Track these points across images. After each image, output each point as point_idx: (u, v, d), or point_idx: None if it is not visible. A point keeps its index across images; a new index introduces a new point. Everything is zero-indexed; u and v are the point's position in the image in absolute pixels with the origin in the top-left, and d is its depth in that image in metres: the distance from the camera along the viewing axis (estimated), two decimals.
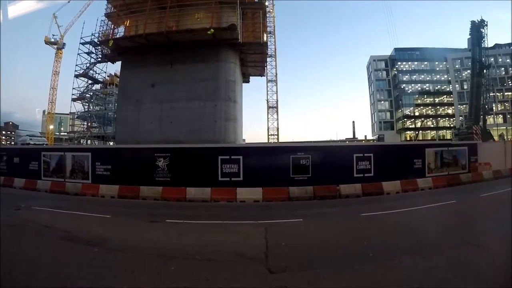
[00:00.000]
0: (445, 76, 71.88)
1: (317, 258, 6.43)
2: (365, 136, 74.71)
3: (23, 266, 5.92)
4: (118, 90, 24.45)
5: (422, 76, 73.53)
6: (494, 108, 56.77)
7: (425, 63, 72.88)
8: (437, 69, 72.65)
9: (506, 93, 64.82)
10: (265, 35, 23.52)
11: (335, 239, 7.82)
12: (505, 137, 51.85)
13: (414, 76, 73.71)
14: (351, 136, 76.07)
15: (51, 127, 61.98)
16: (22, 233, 8.58)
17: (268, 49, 30.52)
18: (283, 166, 15.18)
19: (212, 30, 19.43)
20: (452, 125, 67.29)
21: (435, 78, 72.74)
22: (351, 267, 5.86)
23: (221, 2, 21.02)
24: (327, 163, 15.29)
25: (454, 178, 17.13)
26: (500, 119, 62.41)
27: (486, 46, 35.36)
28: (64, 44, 60.34)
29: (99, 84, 28.18)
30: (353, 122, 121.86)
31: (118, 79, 30.79)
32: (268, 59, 33.43)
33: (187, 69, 21.46)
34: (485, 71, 35.00)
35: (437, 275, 5.42)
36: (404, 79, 73.87)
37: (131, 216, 11.28)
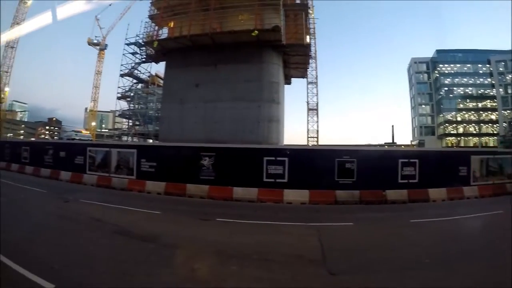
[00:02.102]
0: (489, 80, 68.07)
1: (374, 261, 6.43)
2: (410, 141, 72.00)
3: (79, 258, 6.06)
4: (163, 89, 25.12)
5: (465, 80, 69.96)
6: None
7: (468, 65, 69.39)
8: (480, 72, 68.96)
9: None
10: (308, 36, 23.36)
11: (388, 244, 7.86)
12: None
13: (456, 79, 70.30)
14: (390, 141, 73.90)
15: (93, 123, 64.85)
16: (74, 225, 8.82)
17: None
18: (328, 169, 14.91)
19: (256, 32, 19.54)
20: (495, 132, 63.91)
21: (478, 82, 69.04)
22: (409, 271, 5.87)
23: (264, 4, 21.11)
24: (371, 167, 14.87)
25: (500, 187, 16.24)
26: None
27: None
28: (106, 45, 62.99)
29: (141, 84, 29.01)
30: (392, 126, 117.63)
31: (159, 79, 31.86)
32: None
33: (231, 70, 21.68)
34: None
35: (497, 279, 5.42)
36: (446, 82, 70.69)
37: (181, 213, 11.49)
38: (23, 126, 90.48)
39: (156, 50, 23.63)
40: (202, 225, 9.57)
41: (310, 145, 31.69)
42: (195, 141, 18.77)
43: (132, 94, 28.73)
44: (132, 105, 30.62)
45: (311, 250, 7.14)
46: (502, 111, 64.06)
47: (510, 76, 63.50)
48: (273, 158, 14.96)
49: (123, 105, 30.50)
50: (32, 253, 6.12)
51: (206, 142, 18.26)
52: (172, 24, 23.20)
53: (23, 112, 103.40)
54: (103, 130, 77.43)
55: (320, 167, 14.94)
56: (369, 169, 14.84)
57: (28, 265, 5.32)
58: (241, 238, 8.08)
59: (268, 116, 21.42)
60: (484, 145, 64.42)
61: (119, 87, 28.09)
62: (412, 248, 7.46)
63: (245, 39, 20.65)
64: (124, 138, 33.51)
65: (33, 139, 53.82)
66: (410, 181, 15.20)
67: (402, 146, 65.96)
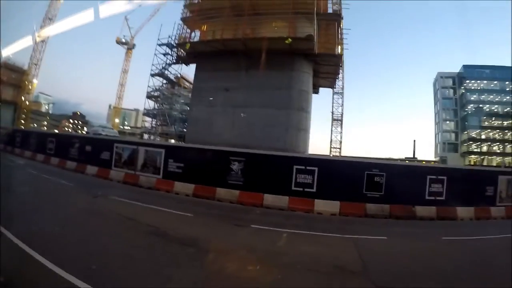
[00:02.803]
0: None
1: (414, 274, 6.53)
2: (440, 158, 70.40)
3: (117, 259, 5.92)
4: (192, 91, 25.51)
5: (491, 97, 68.23)
6: None
7: (495, 82, 67.70)
8: (508, 89, 67.12)
9: None
10: (339, 47, 23.29)
11: (424, 259, 7.87)
12: None
13: (483, 96, 68.63)
14: (411, 156, 72.34)
15: (116, 120, 66.10)
16: (107, 223, 8.70)
17: None
18: (357, 181, 14.72)
19: (289, 39, 19.64)
20: None
21: (504, 99, 67.26)
22: (452, 284, 6.14)
23: (298, 12, 21.21)
24: (400, 182, 14.51)
25: None
26: None
27: None
28: (134, 45, 64.27)
29: (167, 85, 29.40)
30: (414, 141, 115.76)
31: (185, 81, 32.27)
32: None
33: (261, 76, 21.66)
34: None
35: None
36: (472, 98, 69.11)
37: (214, 217, 11.44)
38: (47, 118, 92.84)
39: (187, 52, 23.93)
40: (238, 231, 9.52)
41: (338, 155, 31.39)
42: (222, 144, 18.80)
43: (159, 94, 29.13)
44: (158, 105, 31.06)
45: (351, 261, 7.13)
46: None
47: None
48: (303, 167, 14.82)
49: (151, 104, 30.99)
50: (67, 251, 6.01)
51: (233, 146, 18.31)
52: (204, 28, 23.54)
53: (48, 104, 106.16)
54: (125, 128, 78.80)
55: (349, 178, 14.75)
56: (397, 183, 14.49)
57: (62, 264, 5.13)
58: (280, 247, 8.06)
59: (296, 125, 21.49)
60: (508, 165, 62.55)
61: (148, 86, 28.59)
62: (448, 262, 7.60)
63: (277, 46, 20.79)
64: (146, 136, 34.02)
65: (56, 131, 55.08)
66: (437, 198, 14.86)
67: (423, 162, 64.84)
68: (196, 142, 20.51)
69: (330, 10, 24.84)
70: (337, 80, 29.88)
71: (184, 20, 24.74)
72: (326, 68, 25.29)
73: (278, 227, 10.27)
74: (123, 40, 63.57)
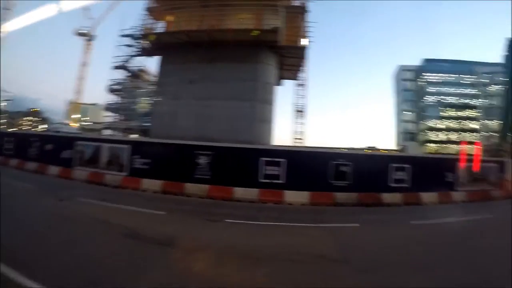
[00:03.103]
0: (472, 90, 70.67)
1: (392, 260, 6.79)
2: (400, 146, 73.23)
3: (98, 266, 5.56)
4: (156, 84, 24.76)
5: (449, 89, 72.21)
6: None
7: (453, 75, 71.60)
8: (465, 82, 71.32)
9: None
10: (304, 39, 23.44)
11: (399, 244, 8.22)
12: None
13: (441, 88, 72.45)
14: (372, 145, 74.94)
15: (75, 116, 63.12)
16: (78, 227, 8.14)
17: None
18: (324, 171, 15.13)
19: (257, 31, 19.56)
20: (475, 140, 66.42)
21: (462, 92, 71.44)
22: (428, 269, 6.29)
23: (264, 4, 21.17)
24: (365, 171, 15.25)
25: (485, 193, 17.13)
26: None
27: None
28: (94, 36, 61.34)
29: (131, 78, 28.35)
30: (374, 131, 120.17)
31: (145, 74, 31.31)
32: None
33: (226, 68, 21.64)
34: None
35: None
36: (431, 90, 72.69)
37: (187, 213, 11.27)
38: (5, 115, 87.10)
39: (152, 43, 23.21)
40: (213, 227, 9.41)
41: (304, 146, 31.88)
42: (187, 138, 18.49)
43: (122, 88, 28.15)
44: (121, 99, 30.05)
45: (330, 250, 7.37)
46: (485, 121, 66.64)
47: (494, 87, 65.83)
48: (270, 159, 15.01)
49: (113, 98, 29.94)
50: (41, 264, 5.44)
51: (199, 140, 18.09)
52: (170, 18, 22.90)
53: (7, 101, 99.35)
54: (84, 123, 75.12)
55: (317, 169, 15.13)
56: (363, 172, 15.20)
57: (37, 277, 4.80)
58: (258, 240, 8.08)
59: (261, 117, 21.53)
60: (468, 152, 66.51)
61: (111, 80, 27.58)
62: (422, 247, 7.96)
63: (243, 38, 20.63)
64: (108, 132, 32.80)
65: (15, 129, 51.86)
66: (402, 185, 15.66)
67: (385, 151, 67.39)
68: (161, 137, 20.01)
69: (296, 3, 24.93)
70: (300, 72, 30.10)
71: (149, 10, 23.88)
72: (291, 61, 25.29)
73: (252, 220, 10.45)
74: (83, 31, 60.43)
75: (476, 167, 17.67)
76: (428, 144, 72.08)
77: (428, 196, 15.34)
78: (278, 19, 21.08)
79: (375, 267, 6.28)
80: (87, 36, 60.58)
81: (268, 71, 22.26)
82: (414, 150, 67.23)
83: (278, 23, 20.89)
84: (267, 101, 21.97)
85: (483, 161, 19.43)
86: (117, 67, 25.72)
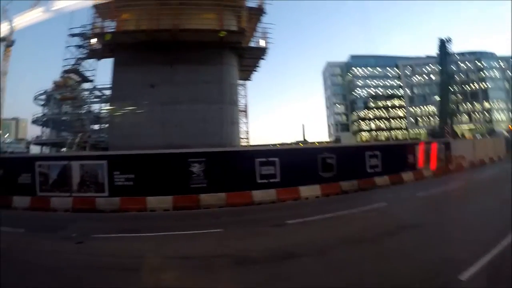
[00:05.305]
0: (397, 81, 78.46)
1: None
2: (335, 137, 77.59)
3: None
4: (111, 90, 22.69)
5: (376, 81, 79.33)
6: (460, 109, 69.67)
7: (379, 69, 78.58)
8: (390, 74, 78.77)
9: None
10: (264, 40, 23.51)
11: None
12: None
13: (368, 81, 79.09)
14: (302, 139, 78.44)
15: None
16: (165, 273, 6.40)
17: None
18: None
19: (224, 32, 19.13)
20: (403, 127, 74.64)
21: (387, 83, 78.79)
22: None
23: (226, 5, 20.71)
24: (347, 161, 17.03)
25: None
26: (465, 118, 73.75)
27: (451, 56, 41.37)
28: (12, 41, 53.31)
29: (79, 82, 25.44)
30: (303, 125, 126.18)
31: (74, 80, 28.44)
32: None
33: (189, 71, 20.71)
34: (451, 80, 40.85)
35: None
36: (359, 83, 78.80)
37: (245, 224, 10.91)
38: None
39: (104, 44, 21.19)
40: (286, 233, 9.43)
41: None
42: (153, 147, 17.34)
43: (67, 95, 25.22)
44: (54, 110, 27.08)
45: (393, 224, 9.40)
46: (409, 108, 75.44)
47: (416, 78, 75.16)
48: (265, 159, 15.35)
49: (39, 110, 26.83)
50: None
51: (166, 147, 17.23)
52: (124, 17, 21.01)
53: None
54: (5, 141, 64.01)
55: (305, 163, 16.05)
56: (346, 163, 16.76)
57: None
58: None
59: (230, 119, 21.23)
60: (394, 138, 73.89)
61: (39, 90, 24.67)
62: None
63: (207, 39, 20.05)
64: (34, 149, 29.45)
65: None
66: (376, 170, 17.65)
67: (317, 143, 71.32)
68: (121, 148, 18.42)
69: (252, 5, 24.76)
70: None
71: (97, 7, 21.41)
72: (248, 61, 25.38)
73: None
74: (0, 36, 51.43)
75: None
76: (360, 133, 78.22)
77: (406, 176, 18.37)
78: (239, 20, 20.85)
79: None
80: (5, 41, 51.91)
81: (232, 72, 22.00)
82: (347, 140, 72.70)
83: (240, 24, 20.66)
84: (234, 103, 21.80)
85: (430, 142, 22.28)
86: (67, 71, 22.89)
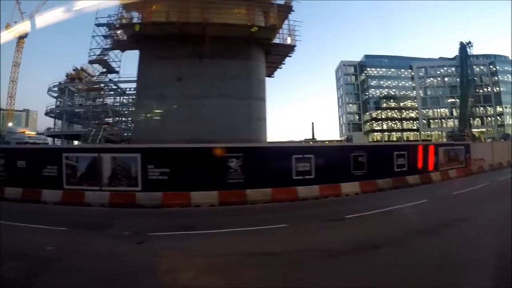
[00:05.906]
0: (410, 83, 77.82)
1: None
2: (346, 137, 77.41)
3: None
4: (137, 83, 22.49)
5: (389, 82, 78.69)
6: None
7: (392, 70, 77.92)
8: (403, 75, 78.15)
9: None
10: (292, 38, 23.15)
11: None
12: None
13: (382, 82, 78.55)
14: (310, 137, 78.02)
15: (10, 124, 54.49)
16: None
17: None
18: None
19: (256, 28, 18.83)
20: (415, 127, 74.50)
21: (400, 84, 78.15)
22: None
23: (257, 1, 20.44)
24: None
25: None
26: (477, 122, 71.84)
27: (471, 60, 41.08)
28: (26, 33, 53.38)
29: (103, 73, 25.00)
30: (312, 123, 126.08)
31: (86, 73, 28.23)
32: None
33: (217, 65, 20.36)
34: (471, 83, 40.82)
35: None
36: (372, 83, 78.16)
37: (304, 219, 10.68)
38: None
39: (130, 35, 20.89)
40: (349, 223, 9.89)
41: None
42: (179, 141, 17.11)
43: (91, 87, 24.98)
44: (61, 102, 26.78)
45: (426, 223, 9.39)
46: (421, 109, 74.77)
47: (429, 79, 74.64)
48: (301, 156, 15.26)
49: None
50: None
51: (193, 142, 16.93)
52: (153, 8, 20.68)
53: None
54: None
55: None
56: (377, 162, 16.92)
57: None
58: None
59: (257, 114, 21.02)
60: (406, 139, 73.55)
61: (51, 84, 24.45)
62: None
63: (236, 34, 19.81)
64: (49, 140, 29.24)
65: None
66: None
67: (326, 142, 70.90)
68: (146, 142, 18.11)
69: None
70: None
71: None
72: (274, 58, 25.05)
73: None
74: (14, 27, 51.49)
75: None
76: (372, 133, 77.72)
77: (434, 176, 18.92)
78: (266, 16, 20.72)
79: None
80: (19, 33, 51.90)
81: (260, 68, 21.83)
82: (359, 139, 72.30)
83: (268, 20, 20.42)
84: (261, 98, 21.55)
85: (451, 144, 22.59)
86: (93, 61, 22.56)
